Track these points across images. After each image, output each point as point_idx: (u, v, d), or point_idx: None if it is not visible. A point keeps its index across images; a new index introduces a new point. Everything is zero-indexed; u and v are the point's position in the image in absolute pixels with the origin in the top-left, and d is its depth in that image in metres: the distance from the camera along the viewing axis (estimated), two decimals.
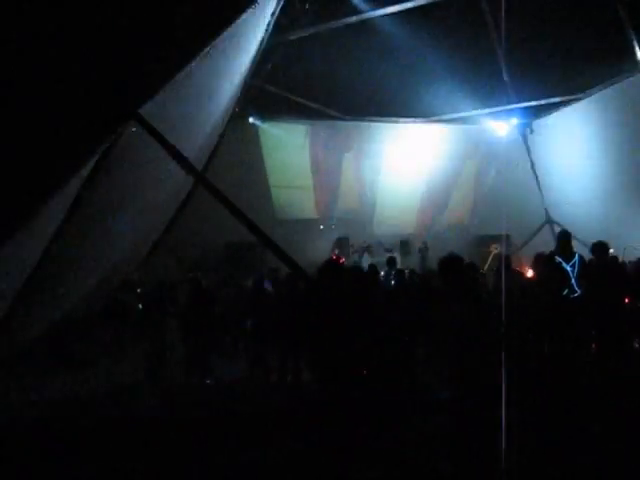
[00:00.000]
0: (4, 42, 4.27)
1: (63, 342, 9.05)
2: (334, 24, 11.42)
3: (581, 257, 6.56)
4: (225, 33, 5.29)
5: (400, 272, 8.78)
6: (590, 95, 13.19)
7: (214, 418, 5.80)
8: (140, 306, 11.01)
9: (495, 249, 15.10)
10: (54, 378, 8.24)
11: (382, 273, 9.41)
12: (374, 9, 11.16)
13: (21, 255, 5.20)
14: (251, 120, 14.33)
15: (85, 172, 4.93)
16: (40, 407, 6.43)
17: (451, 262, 4.47)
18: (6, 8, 4.02)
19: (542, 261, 6.83)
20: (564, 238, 6.80)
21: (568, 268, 6.49)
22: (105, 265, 8.76)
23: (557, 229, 14.41)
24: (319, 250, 15.79)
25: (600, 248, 6.51)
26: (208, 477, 4.32)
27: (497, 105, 14.99)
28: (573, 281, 6.40)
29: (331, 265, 4.79)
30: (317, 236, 16.66)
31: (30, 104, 4.34)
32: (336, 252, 16.35)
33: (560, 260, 6.51)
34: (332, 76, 13.54)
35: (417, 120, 15.71)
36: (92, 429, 5.35)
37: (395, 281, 8.43)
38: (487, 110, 14.99)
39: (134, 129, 4.86)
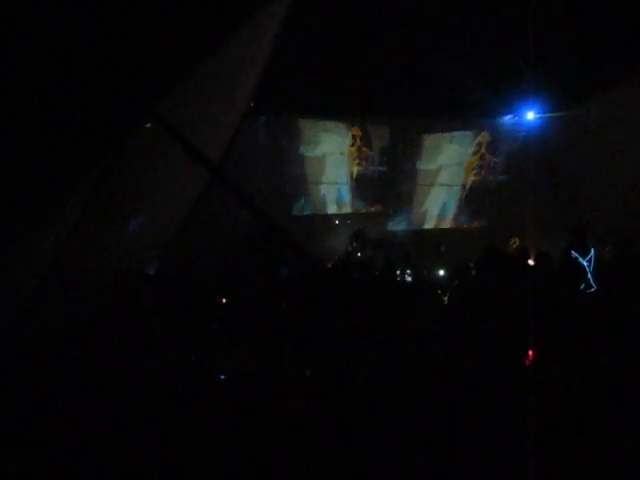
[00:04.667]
0: (25, 44, 4.33)
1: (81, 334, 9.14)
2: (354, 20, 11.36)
3: (597, 252, 6.52)
4: (241, 29, 5.32)
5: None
6: (609, 91, 13.01)
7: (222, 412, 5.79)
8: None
9: (514, 243, 14.99)
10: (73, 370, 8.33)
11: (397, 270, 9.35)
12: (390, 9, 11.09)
13: (38, 249, 5.28)
14: (265, 116, 14.31)
15: (101, 169, 4.99)
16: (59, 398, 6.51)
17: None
18: (29, 11, 4.07)
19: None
20: (579, 233, 6.74)
21: (584, 263, 6.44)
22: (120, 260, 8.85)
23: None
24: (335, 244, 15.76)
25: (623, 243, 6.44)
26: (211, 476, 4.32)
27: (514, 100, 14.87)
28: (589, 276, 6.36)
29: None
30: (332, 230, 16.61)
31: (46, 102, 4.40)
32: (354, 245, 16.23)
33: (576, 255, 6.47)
34: (351, 72, 13.52)
35: (433, 116, 15.63)
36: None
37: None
38: (503, 105, 14.87)
39: (149, 125, 4.91)
